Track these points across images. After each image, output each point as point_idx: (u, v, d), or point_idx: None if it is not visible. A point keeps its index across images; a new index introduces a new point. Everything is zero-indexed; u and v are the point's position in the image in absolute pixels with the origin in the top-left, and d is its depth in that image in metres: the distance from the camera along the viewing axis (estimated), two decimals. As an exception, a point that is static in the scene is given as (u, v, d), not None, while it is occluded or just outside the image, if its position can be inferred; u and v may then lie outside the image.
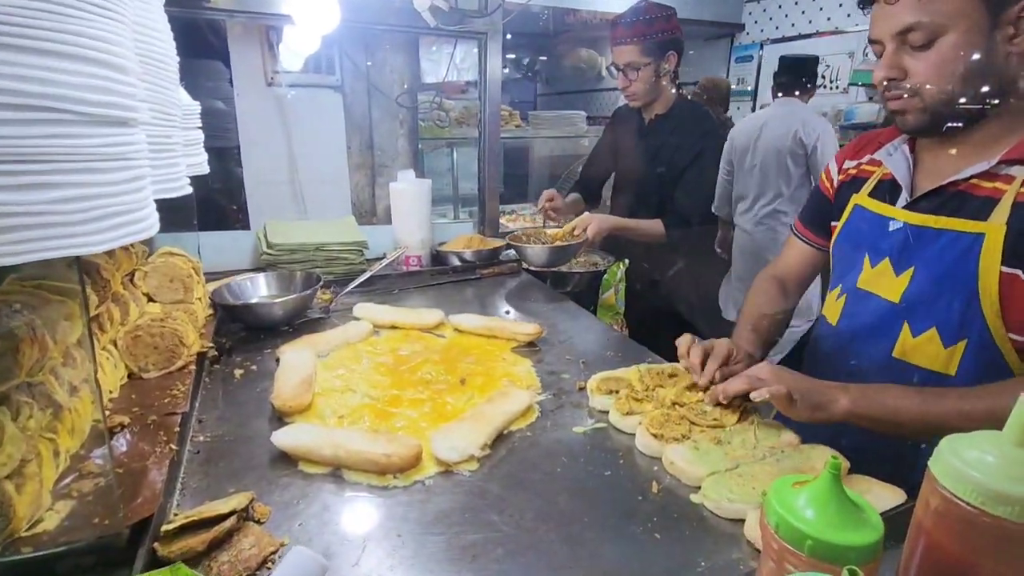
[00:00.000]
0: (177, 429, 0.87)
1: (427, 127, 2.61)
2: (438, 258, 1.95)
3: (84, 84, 0.50)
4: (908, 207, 0.96)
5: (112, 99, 0.53)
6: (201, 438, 0.94)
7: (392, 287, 1.72)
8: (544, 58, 6.18)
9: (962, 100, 0.86)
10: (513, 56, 5.92)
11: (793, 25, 4.77)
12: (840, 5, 4.37)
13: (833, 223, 1.13)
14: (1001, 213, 0.84)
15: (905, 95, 0.89)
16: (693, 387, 1.05)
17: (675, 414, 0.97)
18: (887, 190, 1.01)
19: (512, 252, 2.08)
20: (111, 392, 0.94)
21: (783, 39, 4.87)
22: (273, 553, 0.70)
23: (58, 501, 0.68)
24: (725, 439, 0.91)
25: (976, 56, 0.83)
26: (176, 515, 0.72)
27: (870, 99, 3.77)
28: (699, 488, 0.82)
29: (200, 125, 1.12)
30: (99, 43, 0.51)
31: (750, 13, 5.11)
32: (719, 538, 0.74)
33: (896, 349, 0.95)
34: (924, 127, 0.90)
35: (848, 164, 1.13)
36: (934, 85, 0.86)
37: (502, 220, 3.63)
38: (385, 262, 1.64)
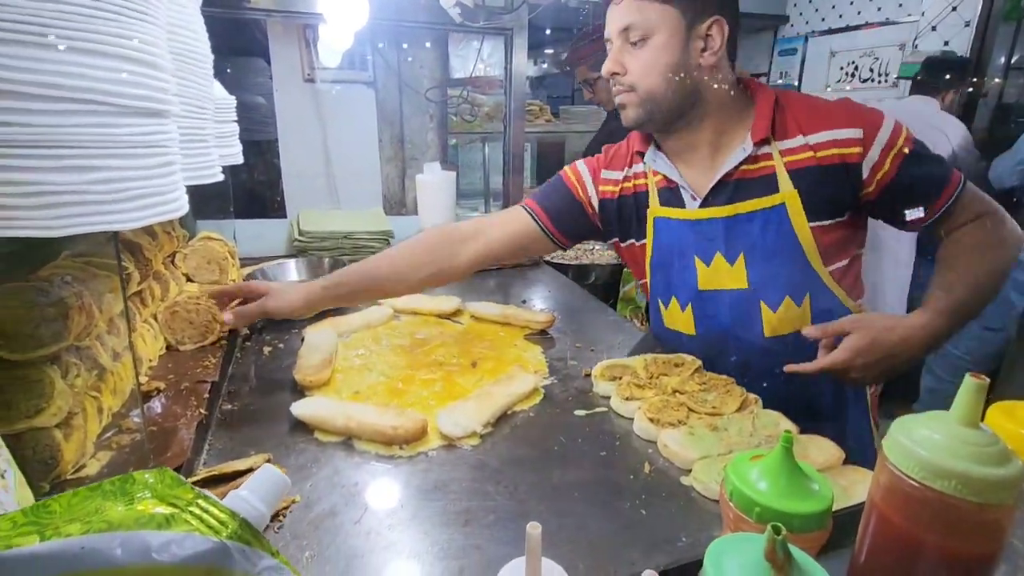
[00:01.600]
0: (207, 396, 0.95)
1: (458, 121, 2.67)
2: (462, 248, 2.01)
3: (121, 79, 0.57)
4: (703, 205, 1.06)
5: (146, 92, 0.60)
6: (229, 406, 1.02)
7: (416, 275, 1.79)
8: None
9: (667, 97, 1.00)
10: (551, 51, 5.91)
11: (841, 16, 4.60)
12: (891, -6, 4.21)
13: (632, 241, 1.18)
14: (785, 182, 1.00)
15: (625, 89, 1.03)
16: (695, 375, 1.07)
17: (674, 400, 1.00)
18: (670, 197, 1.11)
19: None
20: (151, 360, 1.03)
21: (830, 31, 4.71)
22: (285, 508, 0.77)
23: (100, 451, 0.77)
24: (722, 426, 0.93)
25: (675, 59, 0.98)
26: (201, 470, 0.79)
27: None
28: (691, 471, 0.85)
29: (235, 118, 1.20)
30: (135, 42, 0.58)
31: (795, 4, 4.96)
32: (703, 516, 0.77)
33: (766, 330, 1.06)
34: (641, 121, 1.04)
35: (610, 175, 1.18)
36: (645, 80, 1.00)
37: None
38: (409, 251, 1.71)
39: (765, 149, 1.02)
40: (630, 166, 1.16)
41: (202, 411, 0.91)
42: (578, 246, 2.34)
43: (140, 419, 0.82)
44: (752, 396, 1.02)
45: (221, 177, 0.96)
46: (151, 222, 0.62)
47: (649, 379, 1.08)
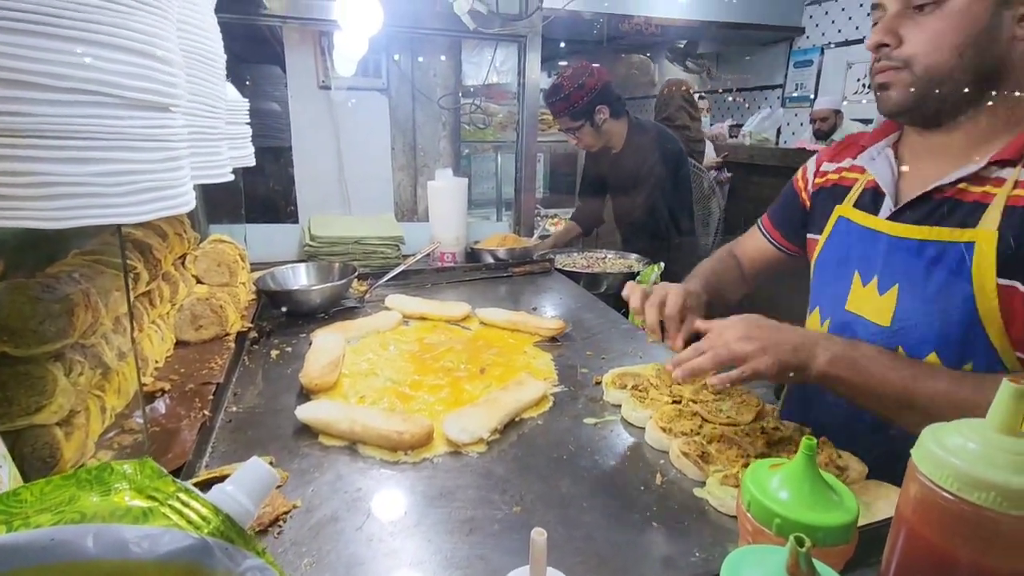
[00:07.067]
0: (211, 398, 0.94)
1: (471, 130, 2.68)
2: (473, 255, 1.99)
3: (127, 72, 0.56)
4: (892, 217, 0.88)
5: (152, 86, 0.60)
6: (234, 409, 1.01)
7: (426, 282, 1.77)
8: (596, 65, 6.17)
9: (952, 80, 0.78)
10: (566, 63, 5.95)
11: (857, 28, 4.59)
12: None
13: (810, 234, 1.07)
14: (991, 218, 0.75)
15: (895, 66, 0.81)
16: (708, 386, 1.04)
17: (687, 410, 0.97)
18: (871, 200, 0.93)
19: (547, 254, 2.10)
20: (156, 361, 1.02)
21: (846, 42, 4.69)
22: (285, 513, 0.75)
23: (100, 451, 0.76)
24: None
25: (979, 29, 0.74)
26: (202, 472, 0.78)
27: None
28: (704, 484, 0.82)
29: (248, 121, 1.20)
30: (141, 35, 0.58)
31: (811, 16, 4.95)
32: (718, 531, 0.73)
33: None
34: (906, 107, 0.82)
35: (827, 167, 1.05)
36: (927, 56, 0.77)
37: (546, 224, 3.66)
38: (418, 256, 1.70)
39: (1003, 172, 0.78)
40: (854, 157, 1.00)
41: (206, 412, 0.90)
42: (589, 254, 2.32)
43: (142, 419, 0.81)
44: (769, 407, 0.99)
45: (231, 177, 0.96)
46: (155, 216, 0.61)
47: (659, 388, 1.05)
